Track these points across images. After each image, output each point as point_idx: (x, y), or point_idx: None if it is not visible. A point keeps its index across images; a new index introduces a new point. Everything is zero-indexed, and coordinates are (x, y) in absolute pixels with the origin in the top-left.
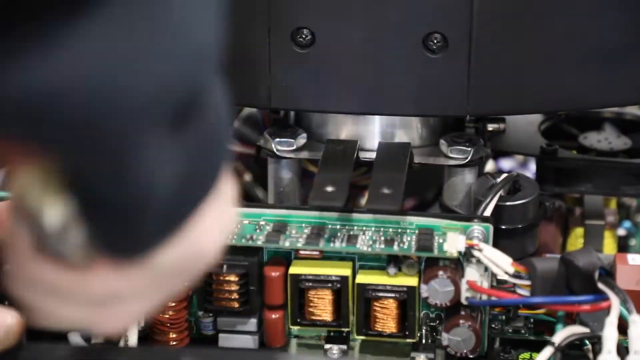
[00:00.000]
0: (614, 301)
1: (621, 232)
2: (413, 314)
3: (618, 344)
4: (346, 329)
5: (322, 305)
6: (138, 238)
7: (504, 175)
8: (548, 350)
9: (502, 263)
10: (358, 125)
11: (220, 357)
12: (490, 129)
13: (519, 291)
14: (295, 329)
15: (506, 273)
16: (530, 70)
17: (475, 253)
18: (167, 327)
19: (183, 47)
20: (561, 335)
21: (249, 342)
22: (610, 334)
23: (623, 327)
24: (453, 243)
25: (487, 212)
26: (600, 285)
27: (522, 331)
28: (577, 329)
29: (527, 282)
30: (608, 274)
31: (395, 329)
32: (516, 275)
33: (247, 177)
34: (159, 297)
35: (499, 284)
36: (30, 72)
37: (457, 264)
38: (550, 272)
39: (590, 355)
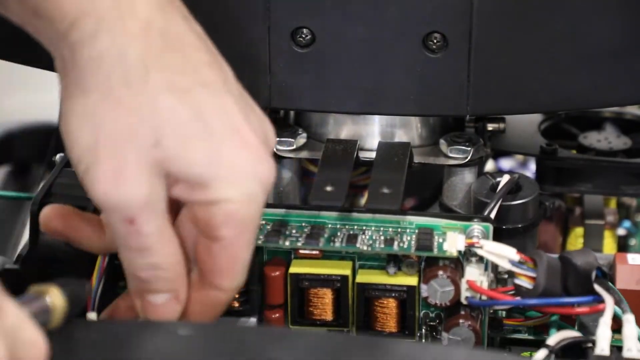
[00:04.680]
0: (609, 302)
1: (621, 231)
2: (413, 313)
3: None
4: (346, 329)
5: (322, 305)
6: None
7: (506, 177)
8: (542, 353)
9: (506, 252)
10: (358, 125)
11: (219, 330)
12: (490, 128)
13: (520, 282)
14: (295, 328)
15: (510, 261)
16: (530, 69)
17: (477, 251)
18: None
19: None
20: (555, 338)
21: None
22: (603, 334)
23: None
24: (453, 243)
25: (492, 216)
26: (596, 287)
27: (523, 331)
28: (571, 333)
29: (531, 274)
30: (604, 275)
31: (395, 328)
32: (520, 265)
33: None
34: None
35: (499, 283)
36: None
37: (457, 264)
38: (556, 266)
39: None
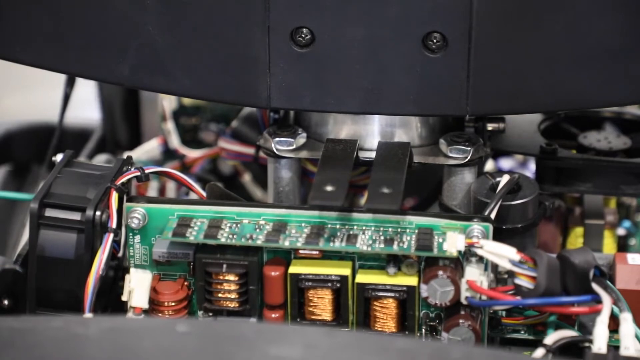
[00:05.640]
0: (606, 300)
1: (621, 231)
2: (413, 313)
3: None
4: (346, 329)
5: (322, 305)
6: None
7: (506, 177)
8: (540, 352)
9: (506, 252)
10: (358, 125)
11: (216, 327)
12: (489, 128)
13: (520, 282)
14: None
15: (511, 261)
16: (530, 69)
17: (477, 251)
18: None
19: None
20: (553, 337)
21: None
22: (601, 332)
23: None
24: (453, 242)
25: (492, 216)
26: (594, 285)
27: (522, 331)
28: (569, 332)
29: (531, 273)
30: (602, 274)
31: (395, 328)
32: (521, 265)
33: (247, 177)
34: None
35: (499, 283)
36: None
37: (456, 264)
38: (556, 266)
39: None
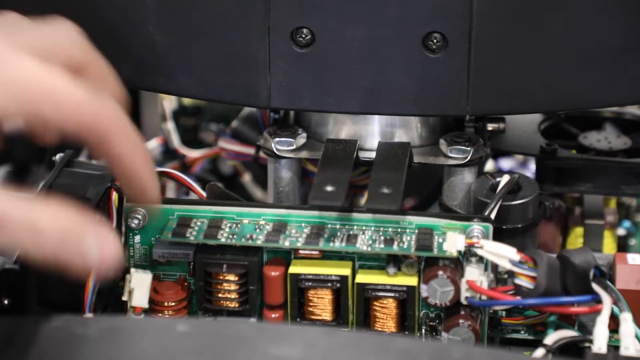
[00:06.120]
0: (606, 300)
1: (621, 231)
2: (413, 313)
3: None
4: (346, 329)
5: (322, 305)
6: None
7: (506, 177)
8: (540, 352)
9: (506, 252)
10: (358, 125)
11: (217, 327)
12: (490, 128)
13: (520, 282)
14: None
15: (511, 261)
16: (530, 69)
17: (477, 251)
18: None
19: None
20: (553, 337)
21: None
22: (601, 332)
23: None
24: (453, 243)
25: (492, 216)
26: (594, 285)
27: (522, 331)
28: (569, 332)
29: (531, 274)
30: (602, 274)
31: (394, 328)
32: (521, 265)
33: (247, 177)
34: None
35: (499, 283)
36: None
37: (456, 264)
38: (556, 266)
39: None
